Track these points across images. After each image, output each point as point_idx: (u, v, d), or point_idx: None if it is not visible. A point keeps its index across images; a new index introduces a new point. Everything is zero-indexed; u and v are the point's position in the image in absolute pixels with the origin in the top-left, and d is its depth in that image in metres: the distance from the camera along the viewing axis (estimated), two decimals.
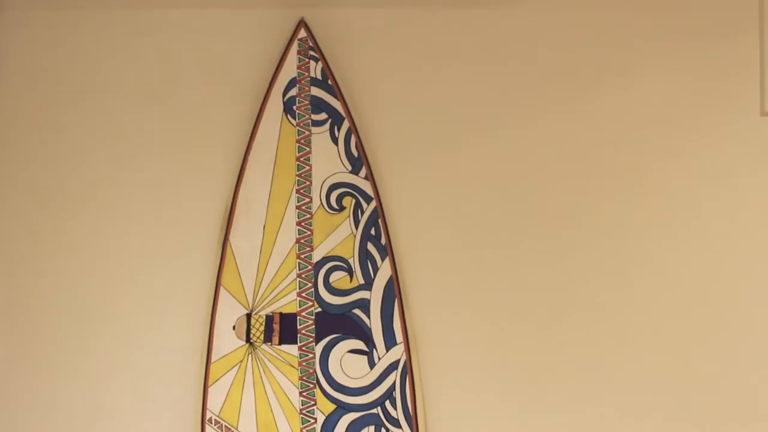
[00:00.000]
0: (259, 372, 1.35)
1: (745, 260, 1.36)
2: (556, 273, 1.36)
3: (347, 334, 1.35)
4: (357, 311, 1.36)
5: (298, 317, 1.36)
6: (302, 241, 1.37)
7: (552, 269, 1.36)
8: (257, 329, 1.36)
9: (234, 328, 1.36)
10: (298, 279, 1.36)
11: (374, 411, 1.34)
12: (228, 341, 1.36)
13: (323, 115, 1.39)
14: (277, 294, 1.36)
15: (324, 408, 1.35)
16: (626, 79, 1.39)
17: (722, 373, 1.34)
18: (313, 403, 1.35)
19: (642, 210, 1.37)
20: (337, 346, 1.35)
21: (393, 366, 1.35)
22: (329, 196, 1.37)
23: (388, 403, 1.34)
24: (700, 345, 1.34)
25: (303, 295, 1.36)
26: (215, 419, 1.35)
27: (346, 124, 1.38)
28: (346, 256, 1.36)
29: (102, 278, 1.42)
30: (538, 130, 1.39)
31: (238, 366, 1.36)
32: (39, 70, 1.44)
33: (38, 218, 1.43)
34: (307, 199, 1.37)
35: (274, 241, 1.37)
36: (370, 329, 1.35)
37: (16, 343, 1.41)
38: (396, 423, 1.34)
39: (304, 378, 1.35)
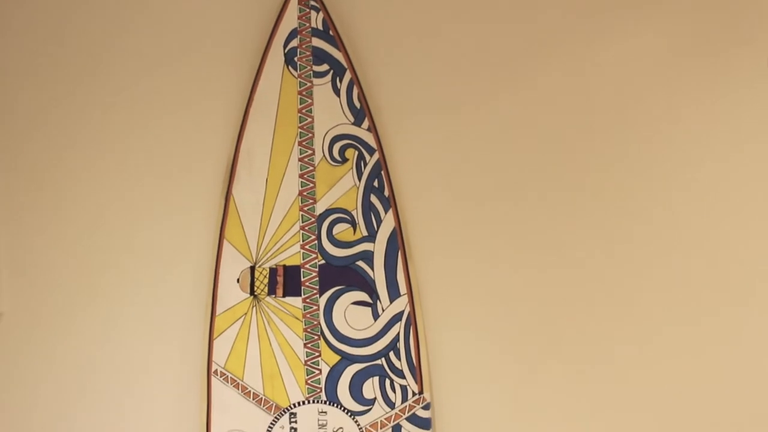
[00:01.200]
0: (264, 324, 1.36)
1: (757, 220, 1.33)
2: (560, 223, 1.35)
3: (351, 286, 1.35)
4: (360, 263, 1.35)
5: (301, 269, 1.36)
6: (305, 193, 1.36)
7: (556, 219, 1.35)
8: (261, 282, 1.36)
9: (238, 281, 1.37)
10: (301, 231, 1.36)
11: (378, 362, 1.35)
12: (232, 294, 1.37)
13: (325, 66, 1.37)
14: (281, 246, 1.36)
15: (328, 359, 1.35)
16: (629, 29, 1.36)
17: (738, 335, 1.32)
18: (317, 354, 1.35)
19: (647, 161, 1.35)
20: (341, 297, 1.35)
21: (397, 317, 1.35)
22: (332, 148, 1.36)
23: (392, 354, 1.35)
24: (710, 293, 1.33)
25: (306, 247, 1.36)
26: (221, 371, 1.36)
27: (348, 75, 1.36)
28: (349, 208, 1.36)
29: (106, 232, 1.42)
30: (544, 83, 1.37)
31: (242, 318, 1.36)
32: (41, 27, 1.43)
33: (42, 173, 1.43)
34: (310, 152, 1.37)
35: (277, 194, 1.36)
36: (373, 281, 1.35)
37: (19, 296, 1.42)
38: (400, 374, 1.35)
39: (309, 330, 1.36)
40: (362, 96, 1.36)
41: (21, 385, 1.44)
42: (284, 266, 1.36)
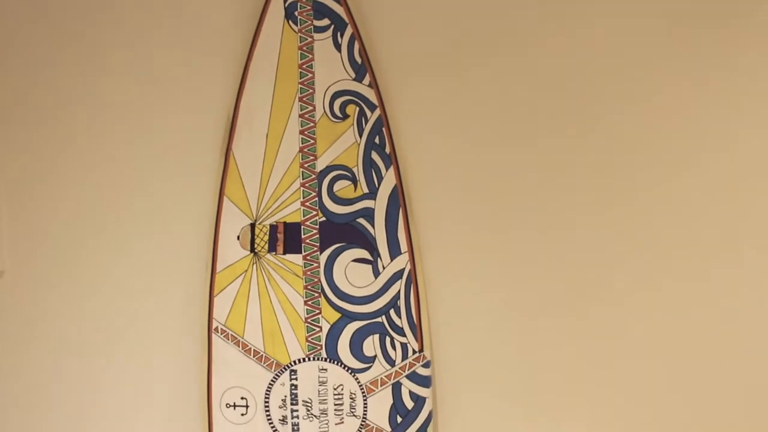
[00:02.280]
0: (264, 281, 1.35)
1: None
2: (565, 180, 1.33)
3: (351, 244, 1.34)
4: (361, 220, 1.34)
5: (302, 226, 1.35)
6: (306, 149, 1.35)
7: (560, 176, 1.33)
8: (261, 239, 1.35)
9: (238, 238, 1.36)
10: (301, 188, 1.35)
11: (379, 320, 1.34)
12: (232, 251, 1.36)
13: (326, 21, 1.35)
14: (281, 203, 1.35)
15: (329, 317, 1.35)
16: None
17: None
18: (318, 312, 1.35)
19: (650, 117, 1.33)
20: (341, 255, 1.35)
21: (397, 275, 1.34)
22: (332, 104, 1.35)
23: (392, 312, 1.34)
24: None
25: (307, 204, 1.35)
26: (221, 328, 1.36)
27: (349, 30, 1.34)
28: (350, 165, 1.35)
29: (106, 189, 1.41)
30: (547, 36, 1.34)
31: (243, 276, 1.36)
32: None
33: (42, 129, 1.43)
34: (310, 107, 1.35)
35: (277, 150, 1.35)
36: (374, 238, 1.34)
37: (19, 254, 1.42)
38: (400, 331, 1.34)
39: (309, 287, 1.35)
40: (363, 51, 1.34)
41: (22, 342, 1.44)
42: (284, 223, 1.35)
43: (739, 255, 1.30)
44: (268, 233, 1.35)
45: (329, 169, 1.35)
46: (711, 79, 1.29)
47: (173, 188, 1.40)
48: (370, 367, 1.34)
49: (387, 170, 1.34)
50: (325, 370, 1.35)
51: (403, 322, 1.34)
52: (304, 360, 1.35)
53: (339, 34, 1.35)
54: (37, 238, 1.43)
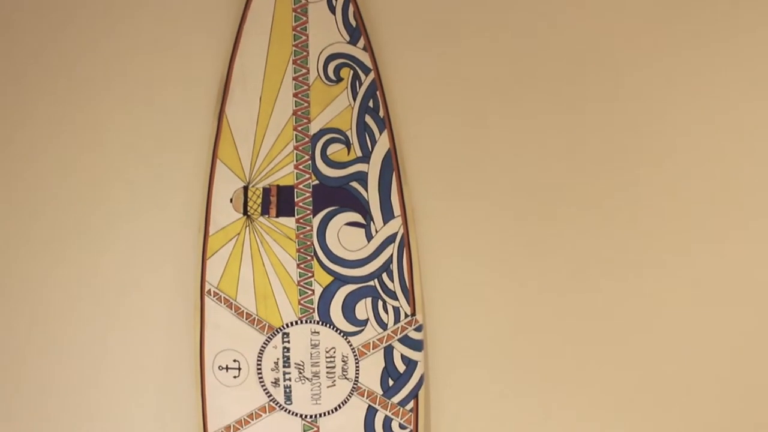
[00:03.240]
0: (257, 244, 1.35)
1: None
2: (563, 147, 1.33)
3: (345, 207, 1.34)
4: (354, 184, 1.34)
5: (295, 190, 1.35)
6: (299, 112, 1.34)
7: (557, 142, 1.33)
8: (254, 202, 1.35)
9: (231, 200, 1.36)
10: (295, 151, 1.35)
11: (371, 283, 1.34)
12: (225, 214, 1.36)
13: None
14: (274, 166, 1.35)
15: (321, 280, 1.35)
16: None
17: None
18: (310, 275, 1.35)
19: (655, 86, 1.32)
20: (334, 218, 1.35)
21: (390, 239, 1.34)
22: (327, 67, 1.34)
23: (385, 276, 1.34)
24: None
25: (300, 167, 1.35)
26: (214, 291, 1.36)
27: None
28: (343, 128, 1.34)
29: (98, 152, 1.41)
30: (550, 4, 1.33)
31: (235, 238, 1.36)
32: None
33: (34, 95, 1.42)
34: (304, 70, 1.34)
35: (271, 113, 1.35)
36: (367, 202, 1.34)
37: (8, 221, 1.42)
38: (393, 295, 1.35)
39: (302, 250, 1.35)
40: (358, 14, 1.33)
41: (14, 312, 1.44)
42: (277, 186, 1.35)
43: (748, 233, 1.30)
44: (261, 196, 1.35)
45: (323, 132, 1.34)
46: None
47: (166, 151, 1.39)
48: (362, 330, 1.35)
49: (381, 134, 1.34)
50: (318, 333, 1.35)
51: (395, 286, 1.34)
52: (296, 323, 1.35)
53: None
54: (28, 203, 1.42)
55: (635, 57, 1.32)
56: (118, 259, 1.41)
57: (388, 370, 1.35)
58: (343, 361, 1.35)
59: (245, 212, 1.35)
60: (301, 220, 1.35)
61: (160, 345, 1.41)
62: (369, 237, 1.34)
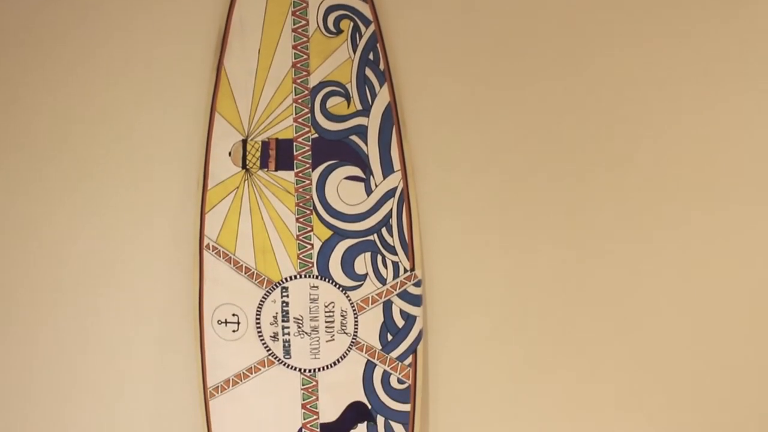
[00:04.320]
0: (256, 198, 1.35)
1: None
2: (564, 100, 1.32)
3: (344, 161, 1.33)
4: (354, 137, 1.33)
5: (294, 143, 1.34)
6: (298, 65, 1.33)
7: (560, 96, 1.32)
8: (253, 155, 1.34)
9: (230, 154, 1.35)
10: (294, 104, 1.33)
11: (370, 238, 1.34)
12: (224, 168, 1.35)
13: None
14: (273, 119, 1.34)
15: (320, 234, 1.34)
16: None
17: None
18: (309, 229, 1.34)
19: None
20: (333, 172, 1.34)
21: (390, 193, 1.33)
22: (326, 19, 1.32)
23: (384, 231, 1.34)
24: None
25: (299, 120, 1.33)
26: (213, 245, 1.36)
27: None
28: (343, 81, 1.33)
29: (95, 106, 1.39)
30: None
31: (234, 192, 1.35)
32: None
33: (33, 50, 1.40)
34: (303, 22, 1.33)
35: (270, 65, 1.33)
36: (367, 156, 1.33)
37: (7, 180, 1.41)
38: (392, 250, 1.34)
39: (301, 204, 1.34)
40: None
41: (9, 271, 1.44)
42: (276, 140, 1.34)
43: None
44: (259, 150, 1.34)
45: (322, 85, 1.33)
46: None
47: (164, 104, 1.38)
48: (361, 285, 1.34)
49: (381, 87, 1.32)
50: (317, 287, 1.35)
51: (394, 241, 1.34)
52: (295, 277, 1.35)
53: None
54: (27, 160, 1.41)
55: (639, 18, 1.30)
56: (116, 213, 1.40)
57: (387, 324, 1.35)
58: (342, 316, 1.35)
59: (244, 166, 1.34)
60: (300, 174, 1.34)
61: (159, 300, 1.41)
62: (368, 191, 1.33)
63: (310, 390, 1.37)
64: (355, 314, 1.35)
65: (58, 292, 1.43)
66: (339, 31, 1.32)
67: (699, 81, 1.29)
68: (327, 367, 1.36)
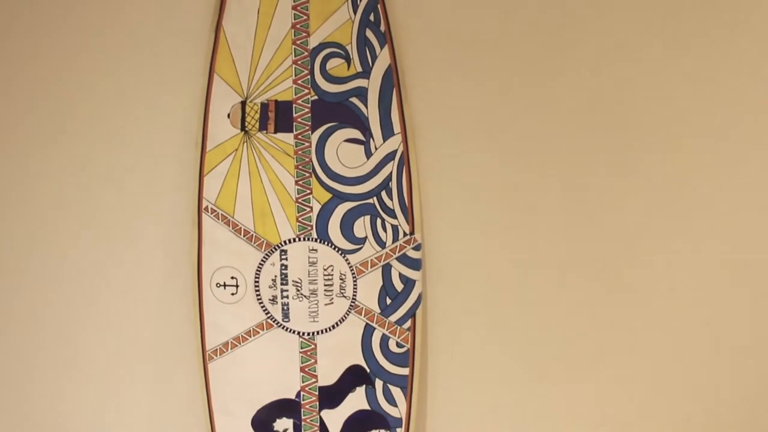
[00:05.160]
0: (255, 161, 1.34)
1: None
2: (567, 63, 1.31)
3: (344, 123, 1.32)
4: (354, 100, 1.32)
5: (293, 105, 1.32)
6: (298, 26, 1.31)
7: (562, 60, 1.30)
8: (252, 117, 1.33)
9: (228, 116, 1.34)
10: (293, 66, 1.32)
11: (370, 201, 1.33)
12: (223, 130, 1.34)
13: None
14: (273, 81, 1.32)
15: (320, 197, 1.34)
16: None
17: None
18: (308, 192, 1.34)
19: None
20: (333, 134, 1.33)
21: (390, 156, 1.33)
22: None
23: (384, 194, 1.33)
24: None
25: (299, 82, 1.32)
26: (211, 208, 1.35)
27: None
28: (343, 43, 1.31)
29: (93, 69, 1.38)
30: None
31: (233, 154, 1.34)
32: None
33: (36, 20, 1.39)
34: None
35: (269, 26, 1.32)
36: (367, 118, 1.32)
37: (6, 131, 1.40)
38: (392, 213, 1.33)
39: (300, 167, 1.33)
40: None
41: (14, 222, 1.43)
42: (276, 101, 1.33)
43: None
44: (259, 111, 1.33)
45: (322, 46, 1.31)
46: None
47: (162, 65, 1.36)
48: (360, 248, 1.34)
49: (381, 49, 1.31)
50: (316, 250, 1.34)
51: (394, 204, 1.33)
52: (294, 240, 1.34)
53: None
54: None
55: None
56: (114, 176, 1.39)
57: (386, 288, 1.35)
58: (341, 279, 1.35)
59: (243, 128, 1.33)
60: (300, 136, 1.33)
61: (157, 263, 1.41)
62: (368, 154, 1.32)
63: (308, 353, 1.37)
64: (354, 278, 1.34)
65: (55, 254, 1.42)
66: None
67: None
68: (326, 331, 1.36)
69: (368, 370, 1.36)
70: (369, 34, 1.31)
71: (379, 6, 1.30)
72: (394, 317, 1.35)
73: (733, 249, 1.32)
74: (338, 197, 1.33)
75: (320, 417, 1.38)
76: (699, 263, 1.33)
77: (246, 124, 1.33)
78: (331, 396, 1.38)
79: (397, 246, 1.34)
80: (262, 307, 1.36)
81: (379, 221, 1.33)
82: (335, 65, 1.32)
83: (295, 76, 1.32)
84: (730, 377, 1.36)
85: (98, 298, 1.43)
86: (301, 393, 1.37)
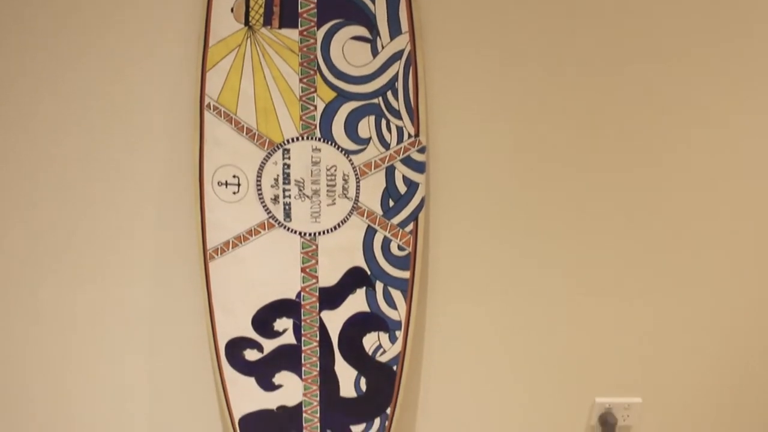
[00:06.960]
0: (258, 57, 1.31)
1: None
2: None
3: (351, 20, 1.29)
4: None
5: None
6: None
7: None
8: (256, 11, 1.30)
9: (232, 10, 1.30)
10: None
11: (375, 101, 1.31)
12: (226, 24, 1.31)
13: None
14: None
15: (324, 95, 1.31)
16: None
17: None
18: (313, 90, 1.31)
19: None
20: (339, 31, 1.30)
21: (397, 56, 1.30)
22: None
23: (389, 94, 1.31)
24: None
25: None
26: (213, 105, 1.33)
27: None
28: None
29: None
30: None
31: (236, 50, 1.31)
32: None
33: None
34: None
35: None
36: (374, 15, 1.29)
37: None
38: (397, 114, 1.32)
39: (305, 64, 1.31)
40: None
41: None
42: None
43: None
44: (263, 5, 1.29)
45: None
46: None
47: None
48: (364, 149, 1.33)
49: None
50: (319, 150, 1.33)
51: (400, 105, 1.31)
52: (297, 139, 1.33)
53: None
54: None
55: None
56: (114, 72, 1.36)
57: (389, 190, 1.34)
58: (343, 180, 1.34)
59: (247, 22, 1.30)
60: (305, 32, 1.30)
61: (158, 160, 1.39)
62: (375, 52, 1.30)
63: (309, 254, 1.37)
64: (357, 178, 1.34)
65: (59, 153, 1.41)
66: None
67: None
68: (327, 232, 1.36)
69: (369, 272, 1.37)
70: None
71: None
72: (396, 220, 1.35)
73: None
74: (343, 96, 1.31)
75: (320, 318, 1.39)
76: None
77: (250, 18, 1.30)
78: (331, 297, 1.38)
79: (401, 148, 1.33)
80: (263, 206, 1.36)
81: (384, 122, 1.32)
82: None
83: None
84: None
85: (100, 196, 1.42)
86: (302, 293, 1.38)
